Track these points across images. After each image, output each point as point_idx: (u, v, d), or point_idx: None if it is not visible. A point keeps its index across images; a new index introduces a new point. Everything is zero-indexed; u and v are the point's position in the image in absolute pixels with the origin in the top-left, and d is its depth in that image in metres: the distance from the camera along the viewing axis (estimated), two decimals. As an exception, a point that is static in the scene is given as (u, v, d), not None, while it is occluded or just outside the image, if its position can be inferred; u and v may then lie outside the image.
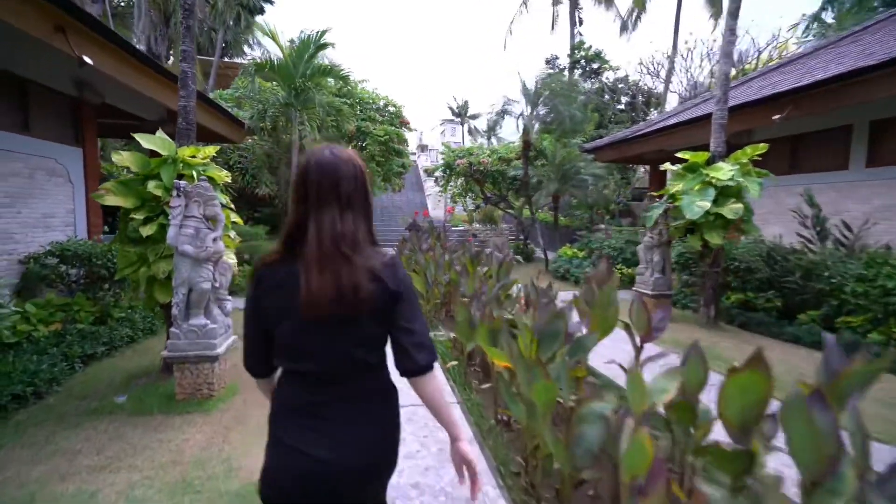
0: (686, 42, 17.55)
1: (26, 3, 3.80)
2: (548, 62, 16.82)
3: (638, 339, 2.55)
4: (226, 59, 21.59)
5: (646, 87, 17.17)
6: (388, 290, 1.03)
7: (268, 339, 1.08)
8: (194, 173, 3.79)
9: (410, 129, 12.93)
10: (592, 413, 2.06)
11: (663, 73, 17.70)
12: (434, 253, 7.00)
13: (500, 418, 3.39)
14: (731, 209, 5.20)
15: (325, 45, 8.94)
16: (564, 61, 17.72)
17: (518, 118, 10.95)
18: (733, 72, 17.67)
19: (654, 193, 6.07)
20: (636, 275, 6.78)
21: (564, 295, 5.13)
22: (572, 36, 20.74)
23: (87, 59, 4.06)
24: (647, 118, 16.99)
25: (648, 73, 17.09)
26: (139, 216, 3.70)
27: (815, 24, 18.09)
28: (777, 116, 5.80)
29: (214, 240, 3.38)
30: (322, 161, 1.03)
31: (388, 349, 1.12)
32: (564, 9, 21.46)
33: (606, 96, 15.82)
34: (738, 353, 4.99)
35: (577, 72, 16.57)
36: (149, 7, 14.42)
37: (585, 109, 10.57)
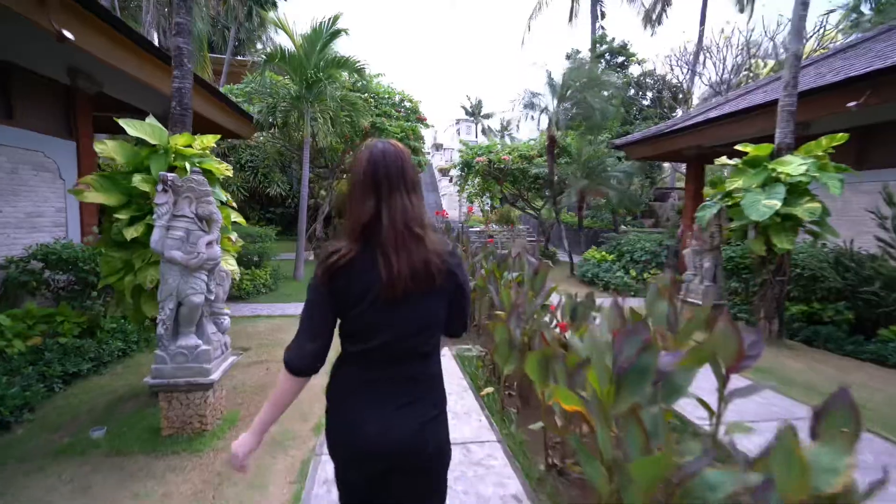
0: (715, 34, 16.54)
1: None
2: (568, 56, 16.10)
3: (723, 369, 1.96)
4: (238, 58, 21.30)
5: (674, 81, 16.32)
6: (452, 273, 1.14)
7: (332, 330, 1.13)
8: (188, 165, 3.24)
9: (427, 126, 12.35)
10: (708, 485, 1.44)
11: (688, 68, 16.86)
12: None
13: (552, 462, 2.77)
14: (806, 209, 4.49)
15: (338, 33, 8.40)
16: (586, 56, 16.99)
17: (541, 113, 10.29)
18: (769, 63, 16.79)
19: (705, 191, 5.38)
20: (683, 282, 6.08)
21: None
22: (594, 30, 19.97)
23: (68, 34, 3.54)
24: (673, 114, 16.18)
25: (677, 66, 16.24)
26: (124, 216, 3.16)
27: (854, 15, 17.08)
28: (852, 104, 5.06)
29: (209, 244, 2.81)
30: (387, 151, 1.11)
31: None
32: (585, 2, 20.72)
33: (632, 91, 15.03)
34: (815, 377, 4.29)
35: (601, 66, 15.83)
36: None
37: (615, 103, 9.87)
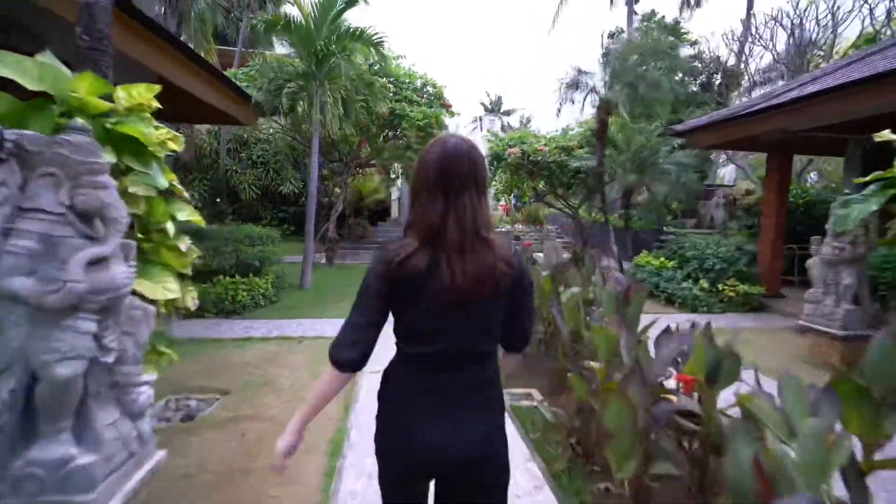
0: (762, 16, 14.71)
1: None
2: (612, 36, 14.55)
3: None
4: (251, 50, 20.30)
5: (729, 64, 14.52)
6: (517, 280, 1.07)
7: (381, 325, 1.08)
8: (80, 123, 1.91)
9: (452, 115, 10.98)
10: None
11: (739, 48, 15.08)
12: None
13: None
14: None
15: (355, 0, 7.12)
16: (630, 35, 15.39)
17: (587, 95, 8.83)
18: (822, 57, 14.87)
19: (865, 178, 3.84)
20: (806, 302, 4.56)
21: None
22: (630, 13, 18.32)
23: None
24: (726, 101, 14.43)
25: (730, 48, 14.46)
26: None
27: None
28: None
29: (97, 263, 1.50)
30: (459, 147, 1.04)
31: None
32: (620, -17, 19.09)
33: (680, 75, 13.34)
34: None
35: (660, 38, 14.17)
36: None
37: (676, 80, 8.34)
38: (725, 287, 7.17)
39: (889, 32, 12.62)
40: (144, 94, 2.35)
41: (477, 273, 0.99)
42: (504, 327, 1.12)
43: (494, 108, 45.01)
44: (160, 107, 2.49)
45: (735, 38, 15.54)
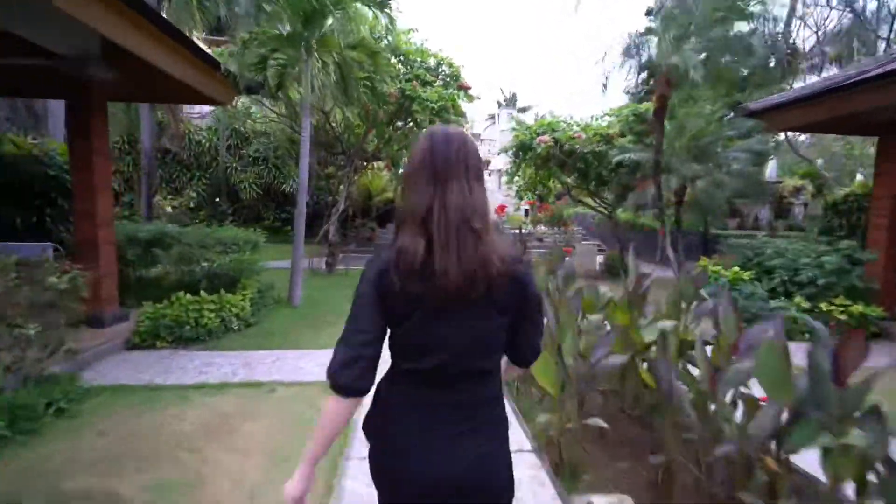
0: None
1: None
2: (649, 13, 12.87)
3: None
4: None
5: (789, 38, 12.69)
6: (519, 283, 0.98)
7: (382, 341, 0.98)
8: None
9: (471, 98, 9.43)
10: None
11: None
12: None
13: None
14: None
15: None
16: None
17: (641, 68, 7.24)
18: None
19: None
20: None
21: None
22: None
23: None
24: (787, 83, 12.63)
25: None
26: None
27: None
28: None
29: None
30: (449, 133, 0.98)
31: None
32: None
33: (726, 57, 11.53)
34: None
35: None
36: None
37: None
38: (832, 308, 5.51)
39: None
40: None
41: (467, 268, 0.89)
42: (510, 343, 1.05)
43: (509, 104, 43.48)
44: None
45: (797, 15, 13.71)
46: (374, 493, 1.07)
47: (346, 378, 0.94)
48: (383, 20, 6.98)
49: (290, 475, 1.00)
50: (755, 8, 6.85)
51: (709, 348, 2.46)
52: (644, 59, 7.19)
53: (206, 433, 2.94)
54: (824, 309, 5.55)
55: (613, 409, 3.16)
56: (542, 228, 16.70)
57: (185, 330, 4.82)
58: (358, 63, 7.29)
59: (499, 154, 11.46)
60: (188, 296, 5.06)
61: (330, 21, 5.82)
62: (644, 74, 14.33)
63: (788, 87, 12.08)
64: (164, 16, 8.46)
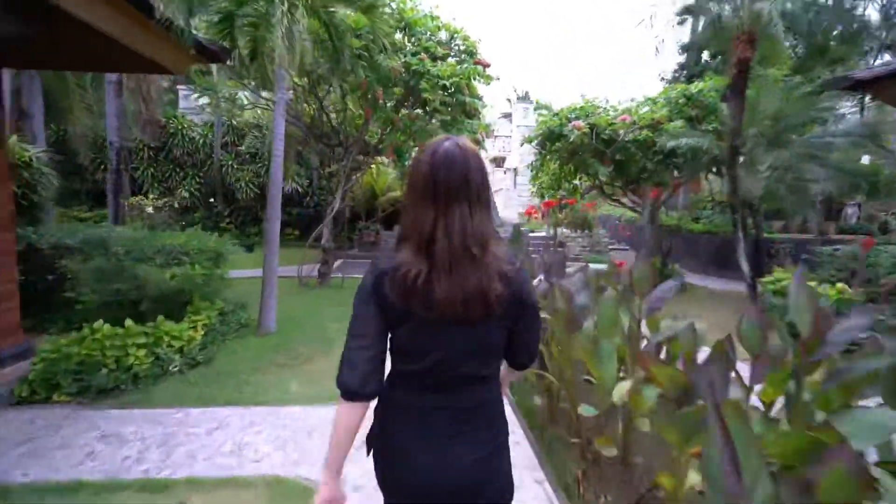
0: None
1: None
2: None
3: None
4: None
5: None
6: (517, 298, 1.00)
7: (385, 345, 1.02)
8: None
9: (489, 80, 7.93)
10: None
11: None
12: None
13: None
14: None
15: None
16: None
17: (710, 23, 5.71)
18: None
19: None
20: None
21: None
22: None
23: None
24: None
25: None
26: None
27: None
28: None
29: None
30: (450, 154, 0.96)
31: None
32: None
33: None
34: None
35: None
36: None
37: None
38: None
39: None
40: None
41: (464, 294, 0.92)
42: (508, 348, 1.07)
43: (522, 101, 41.93)
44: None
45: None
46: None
47: (353, 384, 0.97)
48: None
49: None
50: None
51: None
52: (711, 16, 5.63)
53: None
54: None
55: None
56: (564, 231, 15.12)
57: (98, 376, 3.42)
58: (353, 29, 5.88)
59: (521, 145, 9.93)
60: (107, 326, 3.66)
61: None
62: (683, 57, 12.70)
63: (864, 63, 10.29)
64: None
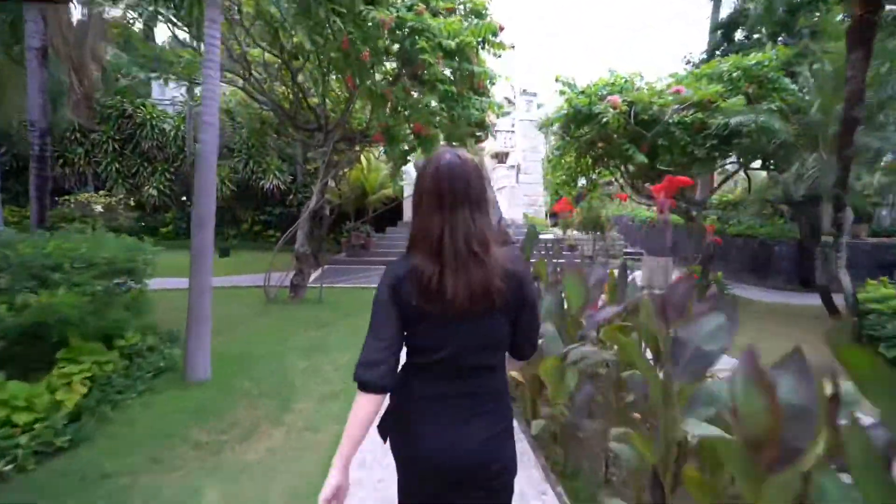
0: None
1: None
2: None
3: None
4: None
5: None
6: (518, 292, 1.08)
7: (401, 343, 1.08)
8: None
9: (501, 48, 6.42)
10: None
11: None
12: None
13: None
14: None
15: None
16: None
17: None
18: None
19: None
20: None
21: None
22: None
23: None
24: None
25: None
26: None
27: None
28: None
29: None
30: (453, 165, 1.06)
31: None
32: None
33: None
34: None
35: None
36: None
37: None
38: None
39: None
40: None
41: (471, 290, 1.01)
42: (512, 341, 1.15)
43: (525, 94, 40.66)
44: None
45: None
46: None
47: (371, 377, 1.02)
48: None
49: None
50: None
51: None
52: None
53: None
54: None
55: None
56: (574, 234, 13.66)
57: None
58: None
59: (540, 129, 8.45)
60: None
61: None
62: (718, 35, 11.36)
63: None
64: None
